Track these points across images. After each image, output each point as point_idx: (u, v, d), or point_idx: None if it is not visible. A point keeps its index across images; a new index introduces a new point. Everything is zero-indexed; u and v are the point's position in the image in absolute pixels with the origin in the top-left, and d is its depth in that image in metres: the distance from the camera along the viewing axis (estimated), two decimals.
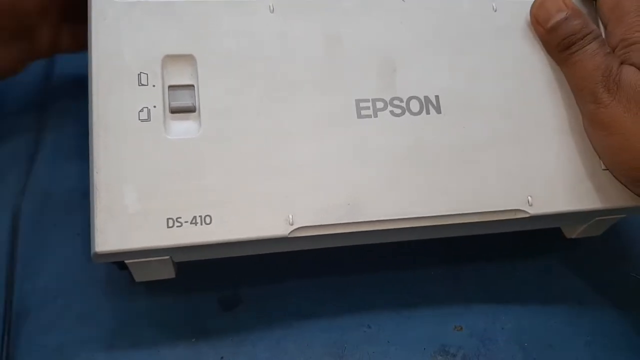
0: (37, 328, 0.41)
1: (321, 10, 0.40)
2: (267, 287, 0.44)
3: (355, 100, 0.39)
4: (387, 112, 0.39)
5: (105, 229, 0.34)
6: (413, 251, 0.46)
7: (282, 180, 0.37)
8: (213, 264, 0.40)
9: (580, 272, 0.48)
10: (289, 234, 0.36)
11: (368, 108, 0.38)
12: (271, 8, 0.39)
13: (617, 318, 0.46)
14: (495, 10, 0.42)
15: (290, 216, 0.36)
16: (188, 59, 0.37)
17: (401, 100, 0.39)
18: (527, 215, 0.39)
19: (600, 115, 0.38)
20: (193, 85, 0.37)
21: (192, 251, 0.36)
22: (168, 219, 0.35)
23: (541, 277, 0.47)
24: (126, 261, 0.36)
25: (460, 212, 0.38)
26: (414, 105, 0.39)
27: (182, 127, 0.37)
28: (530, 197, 0.39)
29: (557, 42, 0.40)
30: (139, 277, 0.40)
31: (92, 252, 0.34)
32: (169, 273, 0.39)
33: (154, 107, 0.36)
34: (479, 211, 0.38)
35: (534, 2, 0.41)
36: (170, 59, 0.37)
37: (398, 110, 0.39)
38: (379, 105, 0.39)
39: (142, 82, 0.36)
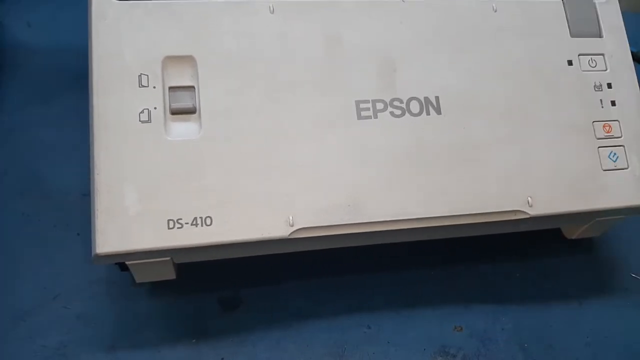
0: (37, 328, 0.41)
1: (321, 10, 0.40)
2: (267, 288, 0.44)
3: (355, 101, 0.38)
4: (387, 113, 0.39)
5: (106, 230, 0.34)
6: (413, 251, 0.46)
7: (283, 181, 0.37)
8: (213, 264, 0.40)
9: (580, 272, 0.48)
10: (289, 235, 0.36)
11: (368, 109, 0.38)
12: (271, 9, 0.39)
13: (617, 318, 0.46)
14: (495, 11, 0.42)
15: (291, 217, 0.36)
16: (188, 60, 0.37)
17: (401, 101, 0.39)
18: (527, 216, 0.39)
19: None
20: (193, 87, 0.37)
21: (192, 252, 0.36)
22: (169, 220, 0.35)
23: (541, 277, 0.47)
24: (127, 262, 0.36)
25: (460, 213, 0.38)
26: (414, 106, 0.39)
27: (183, 128, 0.37)
28: (530, 197, 0.39)
29: None
30: (139, 278, 0.40)
31: (93, 253, 0.34)
32: (170, 274, 0.39)
33: (155, 108, 0.36)
34: (479, 212, 0.38)
35: None
36: (171, 60, 0.37)
37: (398, 111, 0.39)
38: (379, 106, 0.39)
39: (142, 84, 0.36)
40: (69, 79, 0.52)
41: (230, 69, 0.38)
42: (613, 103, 0.42)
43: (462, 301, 0.45)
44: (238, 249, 0.37)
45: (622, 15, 0.44)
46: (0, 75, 0.52)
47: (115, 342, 0.41)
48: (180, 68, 0.37)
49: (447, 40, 0.41)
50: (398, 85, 0.39)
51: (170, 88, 0.37)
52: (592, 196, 0.40)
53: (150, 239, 0.35)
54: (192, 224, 0.35)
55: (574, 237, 0.46)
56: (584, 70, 0.42)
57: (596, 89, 0.42)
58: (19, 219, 0.45)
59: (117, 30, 0.37)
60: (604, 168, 0.40)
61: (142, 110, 0.36)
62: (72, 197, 0.46)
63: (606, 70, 0.42)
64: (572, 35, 0.42)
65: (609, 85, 0.42)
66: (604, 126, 0.41)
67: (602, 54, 0.42)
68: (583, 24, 0.42)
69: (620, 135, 0.41)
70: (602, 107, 0.41)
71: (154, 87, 0.36)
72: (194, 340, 0.42)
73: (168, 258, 0.37)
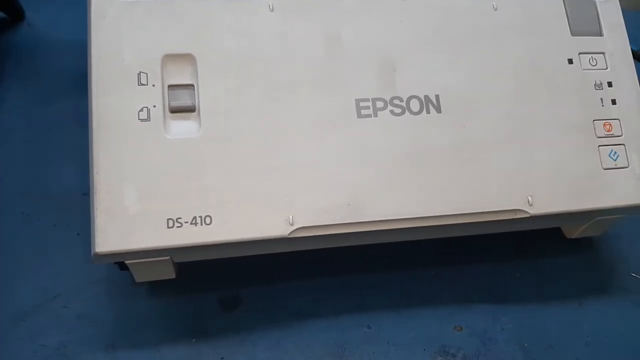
0: (37, 328, 0.41)
1: (321, 10, 0.40)
2: (267, 287, 0.44)
3: (355, 100, 0.38)
4: (387, 111, 0.39)
5: (106, 229, 0.34)
6: (413, 251, 0.46)
7: (282, 180, 0.37)
8: (213, 264, 0.40)
9: (580, 272, 0.48)
10: (289, 234, 0.36)
11: (368, 108, 0.38)
12: (271, 7, 0.39)
13: (617, 318, 0.46)
14: (496, 9, 0.42)
15: (291, 216, 0.36)
16: (188, 58, 0.37)
17: (401, 100, 0.39)
18: (527, 215, 0.39)
19: None
20: (193, 85, 0.37)
21: (192, 251, 0.36)
22: (168, 219, 0.35)
23: (541, 277, 0.47)
24: (127, 261, 0.36)
25: (460, 212, 0.38)
26: (414, 105, 0.39)
27: (182, 126, 0.37)
28: (531, 197, 0.39)
29: None
30: (139, 277, 0.40)
31: (92, 252, 0.34)
32: (170, 273, 0.39)
33: (154, 106, 0.36)
34: (479, 211, 0.38)
35: None
36: (170, 58, 0.37)
37: (398, 110, 0.39)
38: (379, 104, 0.39)
39: (141, 82, 0.36)
40: (69, 79, 0.52)
41: (230, 67, 0.38)
42: (613, 102, 0.42)
43: (462, 301, 0.45)
44: (238, 248, 0.37)
45: (623, 14, 0.44)
46: (0, 75, 0.52)
47: (115, 341, 0.41)
48: (180, 66, 0.37)
49: (447, 39, 0.41)
50: (398, 84, 0.39)
51: (170, 86, 0.37)
52: (593, 195, 0.40)
53: (149, 238, 0.35)
54: (191, 223, 0.35)
55: (574, 236, 0.46)
56: (584, 69, 0.42)
57: (596, 88, 0.42)
58: (19, 219, 0.45)
59: (116, 29, 0.37)
60: (605, 167, 0.40)
61: (142, 109, 0.36)
62: (72, 197, 0.46)
63: (607, 68, 0.42)
64: (573, 33, 0.42)
65: (610, 84, 0.42)
66: (604, 125, 0.41)
67: (603, 53, 0.42)
68: (583, 23, 0.42)
69: (620, 134, 0.41)
70: (603, 105, 0.41)
71: (153, 85, 0.36)
72: (193, 340, 0.42)
73: (168, 257, 0.37)
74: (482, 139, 0.39)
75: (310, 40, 0.39)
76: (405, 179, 0.38)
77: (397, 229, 0.38)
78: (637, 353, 0.44)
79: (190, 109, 0.37)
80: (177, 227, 0.35)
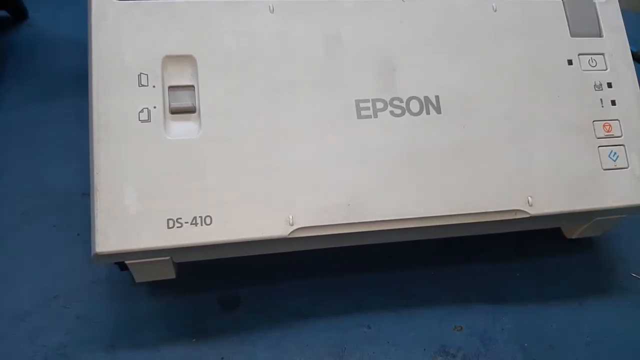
0: (37, 328, 0.41)
1: (321, 10, 0.40)
2: (267, 287, 0.44)
3: (355, 100, 0.38)
4: (387, 112, 0.39)
5: (106, 229, 0.34)
6: (413, 251, 0.46)
7: (282, 180, 0.37)
8: (213, 264, 0.40)
9: (580, 272, 0.48)
10: (289, 234, 0.36)
11: (368, 108, 0.38)
12: (271, 8, 0.39)
13: (617, 318, 0.46)
14: (495, 10, 0.42)
15: (291, 217, 0.36)
16: (188, 59, 0.37)
17: (401, 101, 0.39)
18: (527, 216, 0.39)
19: None
20: (193, 86, 0.37)
21: (192, 252, 0.36)
22: (168, 219, 0.35)
23: (541, 277, 0.47)
24: (127, 262, 0.36)
25: (460, 213, 0.38)
26: (414, 106, 0.39)
27: (182, 127, 0.37)
28: (530, 197, 0.39)
29: None
30: (139, 277, 0.40)
31: (92, 252, 0.34)
32: (170, 273, 0.39)
33: (154, 107, 0.36)
34: (479, 211, 0.38)
35: None
36: (171, 59, 0.37)
37: (398, 111, 0.39)
38: (379, 105, 0.39)
39: (142, 83, 0.36)
40: (69, 79, 0.52)
41: (230, 68, 0.38)
42: (613, 102, 0.42)
43: (462, 301, 0.45)
44: (238, 248, 0.37)
45: (622, 15, 0.44)
46: (0, 75, 0.52)
47: (115, 341, 0.41)
48: (180, 67, 0.37)
49: (447, 39, 0.41)
50: (398, 85, 0.39)
51: (170, 87, 0.37)
52: (592, 195, 0.40)
53: (150, 238, 0.35)
54: (191, 223, 0.35)
55: (574, 236, 0.46)
56: (584, 70, 0.42)
57: (596, 89, 0.42)
58: (19, 219, 0.45)
59: (117, 30, 0.37)
60: (604, 167, 0.40)
61: (142, 110, 0.36)
62: (72, 197, 0.46)
63: (606, 69, 0.42)
64: (572, 34, 0.42)
65: (609, 85, 0.42)
66: (604, 125, 0.41)
67: (602, 54, 0.42)
68: (583, 24, 0.42)
69: (620, 134, 0.41)
70: (602, 106, 0.41)
71: (154, 87, 0.36)
72: (193, 340, 0.42)
73: (168, 257, 0.37)
74: (482, 139, 0.39)
75: (310, 40, 0.39)
76: (405, 179, 0.38)
77: (397, 229, 0.38)
78: (637, 353, 0.44)
79: (191, 110, 0.37)
80: (177, 227, 0.35)
